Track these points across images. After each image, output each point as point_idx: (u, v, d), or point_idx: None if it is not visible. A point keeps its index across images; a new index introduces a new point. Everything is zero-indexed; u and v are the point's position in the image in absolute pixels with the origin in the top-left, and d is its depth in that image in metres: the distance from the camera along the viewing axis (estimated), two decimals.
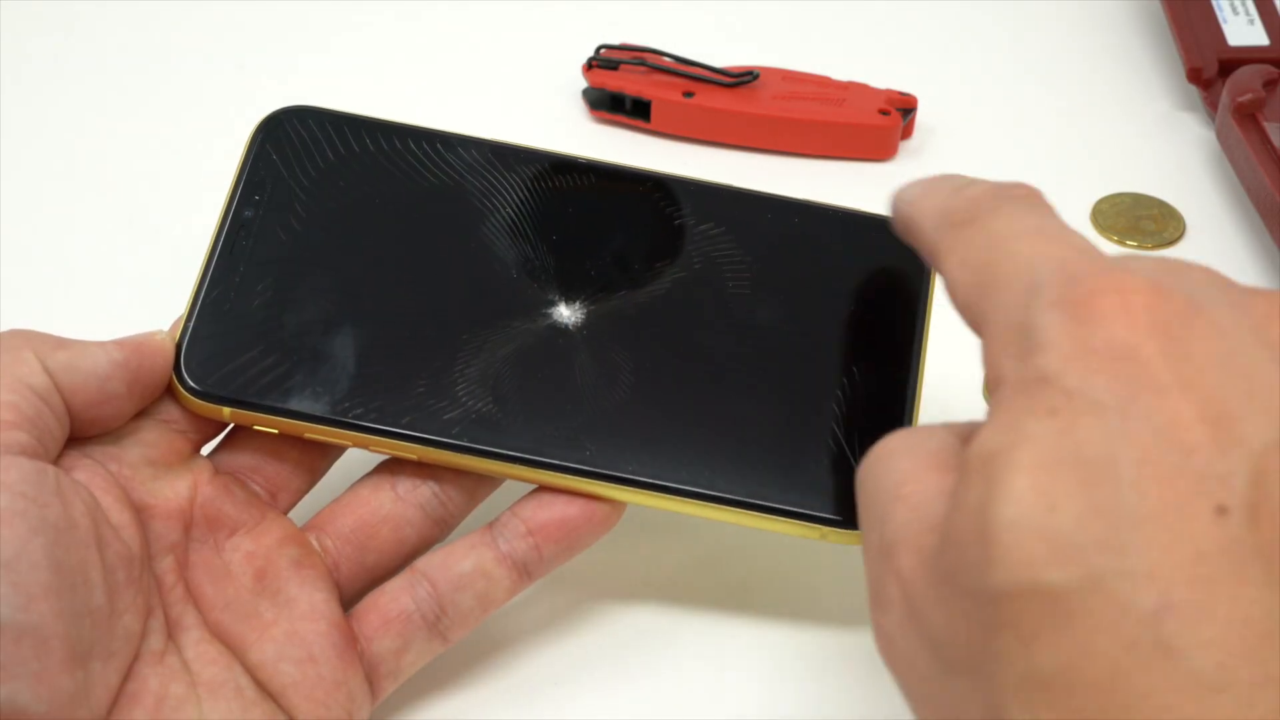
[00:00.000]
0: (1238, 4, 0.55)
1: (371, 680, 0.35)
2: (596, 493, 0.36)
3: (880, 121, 0.52)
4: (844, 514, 0.35)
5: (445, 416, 0.36)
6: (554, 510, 0.36)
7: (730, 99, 0.52)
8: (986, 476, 0.25)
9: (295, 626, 0.35)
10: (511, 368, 0.37)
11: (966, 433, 0.29)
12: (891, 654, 0.28)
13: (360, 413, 0.36)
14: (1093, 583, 0.23)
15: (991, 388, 0.27)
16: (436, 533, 0.37)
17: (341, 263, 0.38)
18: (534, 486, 0.36)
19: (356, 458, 0.38)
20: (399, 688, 0.36)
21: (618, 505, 0.36)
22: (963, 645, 0.25)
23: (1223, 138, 0.52)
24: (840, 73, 0.54)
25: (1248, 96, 0.50)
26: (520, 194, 0.39)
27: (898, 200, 0.34)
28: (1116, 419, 0.24)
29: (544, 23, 0.58)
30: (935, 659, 0.26)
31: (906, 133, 0.53)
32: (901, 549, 0.27)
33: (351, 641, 0.35)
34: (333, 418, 0.36)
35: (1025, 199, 0.30)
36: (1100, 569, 0.23)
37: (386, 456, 0.37)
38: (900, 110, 0.53)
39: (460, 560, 0.36)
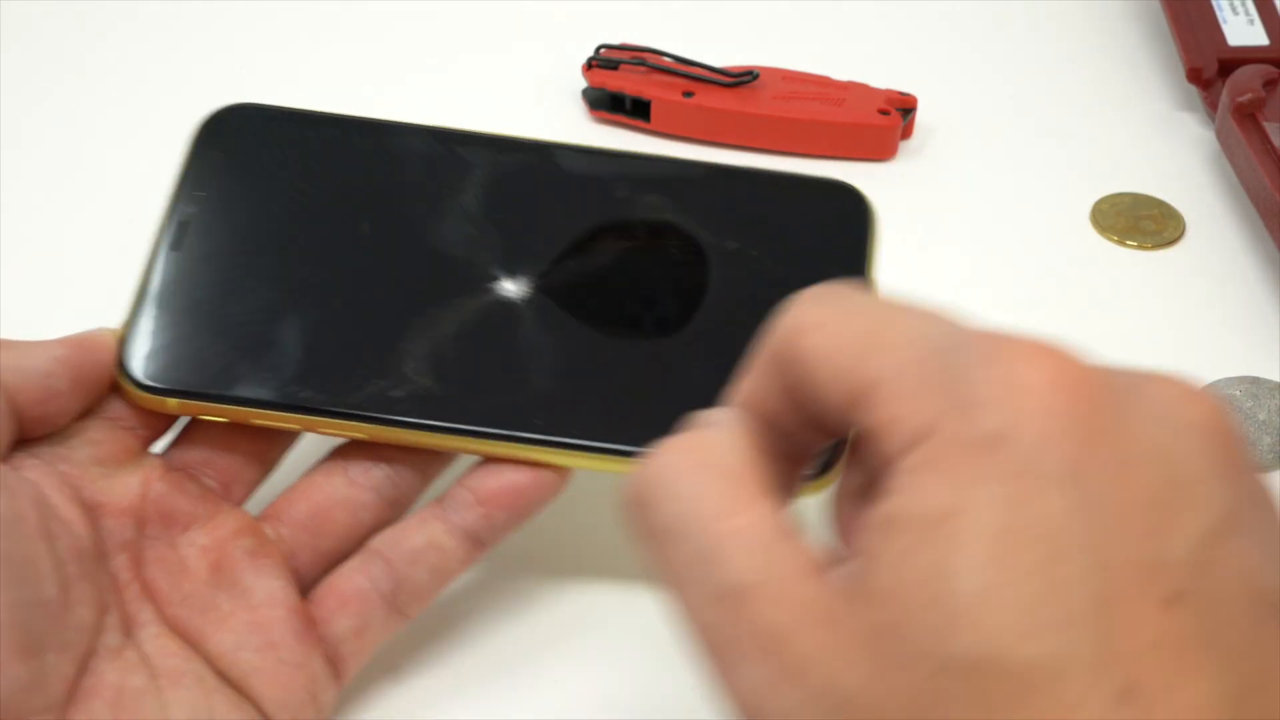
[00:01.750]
0: (1238, 4, 0.55)
1: (334, 661, 0.35)
2: (545, 460, 0.36)
3: (880, 121, 0.52)
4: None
5: (392, 394, 0.36)
6: (502, 478, 0.36)
7: (730, 99, 0.52)
8: (941, 540, 0.24)
9: (253, 615, 0.35)
10: (457, 342, 0.37)
11: (762, 442, 0.27)
12: (764, 711, 0.25)
13: (307, 395, 0.36)
14: (1059, 661, 0.23)
15: (911, 438, 0.25)
16: (391, 514, 0.37)
17: (284, 252, 0.38)
18: (482, 459, 0.37)
19: (309, 449, 0.38)
20: (363, 674, 0.37)
21: (564, 471, 0.36)
22: (892, 710, 0.24)
23: (1223, 138, 0.52)
24: (840, 73, 0.54)
25: (1248, 96, 0.50)
26: (462, 175, 0.39)
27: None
28: (1073, 495, 0.24)
29: (544, 23, 0.58)
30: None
31: (906, 133, 0.53)
32: (759, 598, 0.25)
33: (311, 625, 0.35)
34: (279, 401, 0.36)
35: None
36: (1065, 648, 0.23)
37: (338, 440, 0.37)
38: (900, 110, 0.53)
39: (412, 535, 0.36)
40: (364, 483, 0.37)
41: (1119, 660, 0.23)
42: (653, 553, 0.27)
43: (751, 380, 0.29)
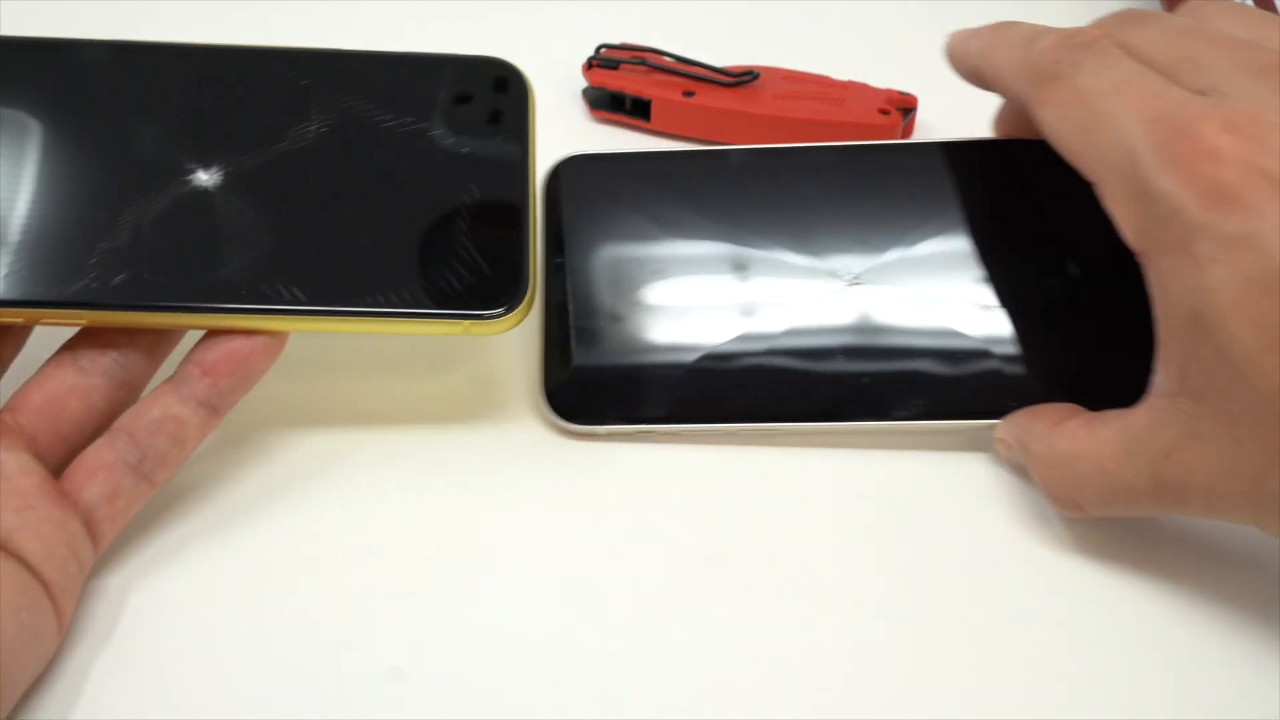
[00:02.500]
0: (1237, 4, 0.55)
1: (90, 526, 0.38)
2: (259, 327, 0.40)
3: (880, 121, 0.52)
4: (482, 309, 0.40)
5: (107, 282, 0.39)
6: (221, 348, 0.39)
7: (730, 99, 0.53)
8: (1209, 328, 0.34)
9: (7, 484, 0.37)
10: (163, 231, 0.40)
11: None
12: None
13: (26, 290, 0.38)
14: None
15: (1144, 253, 0.36)
16: (124, 395, 0.40)
17: None
18: (206, 334, 0.40)
19: (46, 344, 0.40)
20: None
21: (279, 334, 0.40)
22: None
23: None
24: (840, 72, 0.54)
25: None
26: (157, 82, 0.42)
27: (958, 50, 0.43)
28: (1262, 235, 0.33)
29: (544, 23, 0.58)
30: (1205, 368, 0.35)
31: (906, 132, 0.53)
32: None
33: (64, 492, 0.38)
34: (1, 298, 0.38)
35: (1094, 45, 0.38)
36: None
37: (69, 331, 0.40)
38: (900, 110, 0.53)
39: (149, 410, 0.39)
40: (94, 369, 0.40)
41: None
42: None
43: (1000, 73, 0.42)
